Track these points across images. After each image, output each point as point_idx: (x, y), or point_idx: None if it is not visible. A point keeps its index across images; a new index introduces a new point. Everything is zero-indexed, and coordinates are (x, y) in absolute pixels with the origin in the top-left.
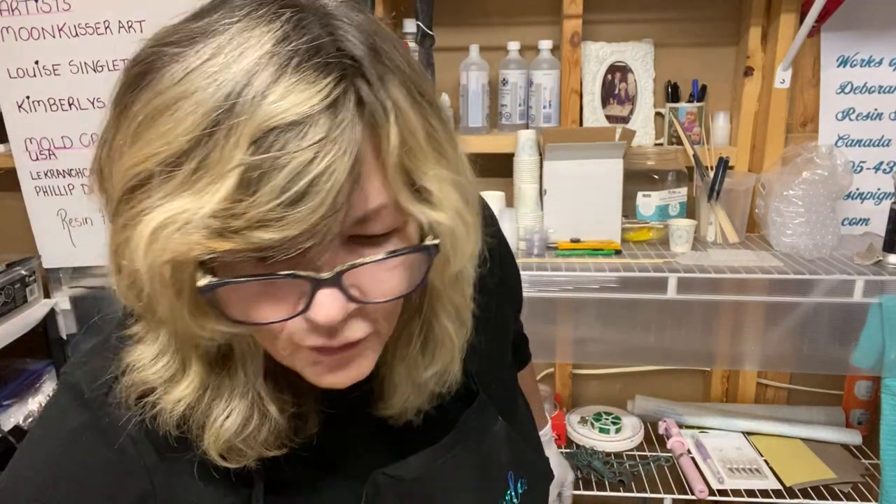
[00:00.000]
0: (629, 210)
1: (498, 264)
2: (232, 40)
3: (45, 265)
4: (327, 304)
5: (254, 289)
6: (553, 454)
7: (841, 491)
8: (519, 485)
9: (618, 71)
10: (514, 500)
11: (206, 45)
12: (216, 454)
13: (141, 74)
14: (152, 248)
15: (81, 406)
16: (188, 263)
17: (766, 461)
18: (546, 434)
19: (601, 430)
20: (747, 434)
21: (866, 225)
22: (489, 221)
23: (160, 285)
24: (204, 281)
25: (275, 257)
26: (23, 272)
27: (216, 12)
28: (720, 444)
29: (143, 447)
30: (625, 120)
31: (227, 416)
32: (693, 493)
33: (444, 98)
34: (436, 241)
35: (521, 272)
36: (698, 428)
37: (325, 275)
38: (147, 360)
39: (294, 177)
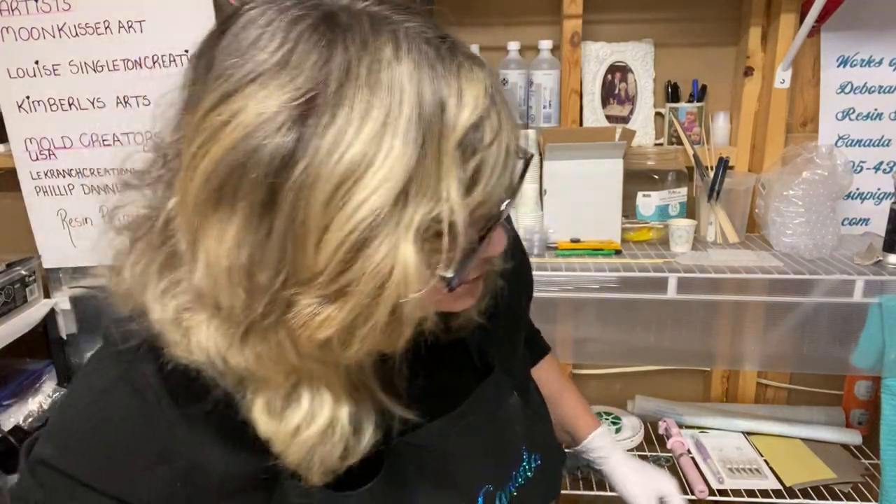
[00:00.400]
0: (629, 210)
1: (510, 252)
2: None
3: (45, 265)
4: (501, 237)
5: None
6: (642, 465)
7: (841, 491)
8: (532, 459)
9: (618, 71)
10: (528, 474)
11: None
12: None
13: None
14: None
15: (116, 361)
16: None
17: (766, 461)
18: (605, 436)
19: None
20: (747, 434)
21: (866, 225)
22: None
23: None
24: (451, 272)
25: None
26: (23, 272)
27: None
28: (720, 444)
29: (168, 404)
30: (625, 120)
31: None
32: (693, 493)
33: None
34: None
35: None
36: (698, 428)
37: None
38: (205, 323)
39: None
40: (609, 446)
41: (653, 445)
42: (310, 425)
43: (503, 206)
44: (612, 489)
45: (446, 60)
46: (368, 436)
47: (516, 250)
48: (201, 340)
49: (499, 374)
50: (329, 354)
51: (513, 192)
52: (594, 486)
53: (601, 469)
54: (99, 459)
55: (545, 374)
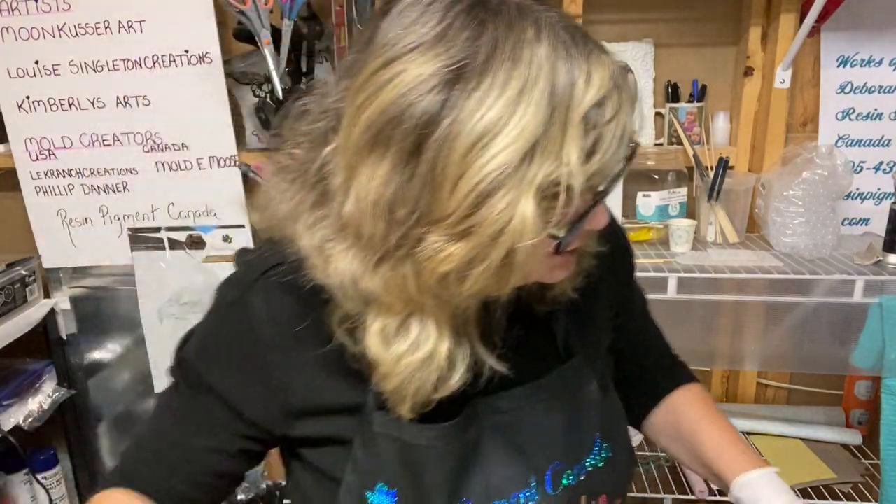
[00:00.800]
0: (629, 210)
1: (606, 237)
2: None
3: (45, 265)
4: (604, 213)
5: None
6: None
7: (841, 491)
8: (605, 450)
9: None
10: (599, 464)
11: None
12: (345, 329)
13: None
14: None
15: (238, 285)
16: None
17: (766, 461)
18: (763, 482)
19: None
20: (747, 434)
21: (866, 225)
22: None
23: (525, 235)
24: (562, 232)
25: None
26: (23, 272)
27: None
28: None
29: (271, 328)
30: None
31: (419, 335)
32: (693, 494)
33: None
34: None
35: None
36: None
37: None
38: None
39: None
40: (768, 494)
41: (653, 446)
42: (413, 353)
43: (611, 181)
44: (673, 492)
45: (580, 46)
46: (459, 375)
47: (616, 236)
48: (339, 266)
49: (580, 360)
50: (444, 290)
51: (620, 171)
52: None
53: None
54: (219, 367)
55: (681, 403)
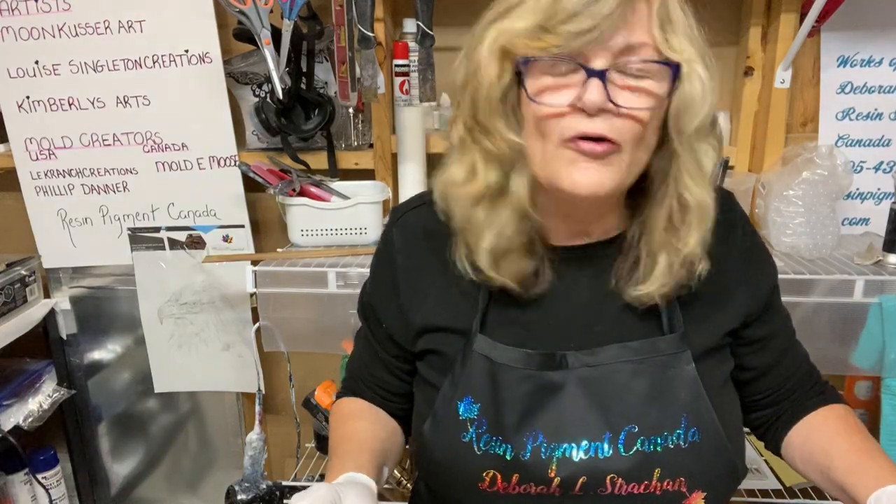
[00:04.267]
0: None
1: (740, 236)
2: None
3: (45, 265)
4: (594, 90)
5: (548, 81)
6: None
7: None
8: (691, 433)
9: None
10: (681, 444)
11: None
12: (469, 260)
13: None
14: (495, 42)
15: (393, 215)
16: (512, 55)
17: (766, 461)
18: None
19: None
20: (747, 434)
21: (866, 225)
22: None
23: (488, 71)
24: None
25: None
26: (23, 272)
27: None
28: None
29: (403, 256)
30: None
31: (504, 220)
32: None
33: (445, 98)
34: (678, 61)
35: None
36: None
37: (598, 67)
38: (453, 172)
39: None
40: None
41: None
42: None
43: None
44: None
45: None
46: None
47: (750, 236)
48: (445, 175)
49: (680, 337)
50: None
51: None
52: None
53: None
54: (376, 292)
55: (818, 421)
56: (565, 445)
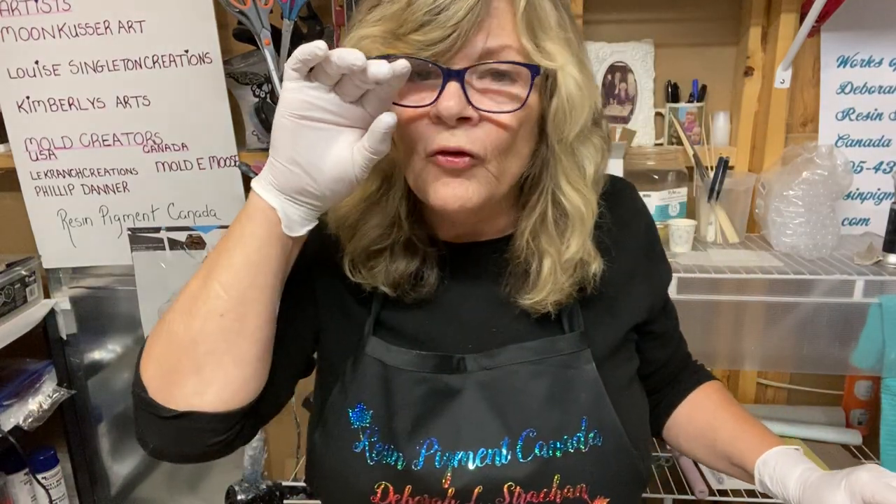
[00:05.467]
0: None
1: (644, 228)
2: None
3: (45, 265)
4: (451, 95)
5: (408, 85)
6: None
7: None
8: (592, 436)
9: (618, 71)
10: (581, 447)
11: None
12: (348, 261)
13: None
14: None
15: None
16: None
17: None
18: (781, 458)
19: None
20: None
21: (866, 225)
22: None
23: None
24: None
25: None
26: (23, 272)
27: None
28: None
29: (317, 244)
30: (625, 120)
31: (371, 224)
32: (693, 494)
33: None
34: (553, 68)
35: None
36: None
37: (455, 68)
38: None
39: None
40: (787, 468)
41: (653, 446)
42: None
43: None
44: (673, 492)
45: None
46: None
47: (651, 231)
48: None
49: (580, 336)
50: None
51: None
52: (660, 487)
53: None
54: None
55: (699, 398)
56: (461, 453)
